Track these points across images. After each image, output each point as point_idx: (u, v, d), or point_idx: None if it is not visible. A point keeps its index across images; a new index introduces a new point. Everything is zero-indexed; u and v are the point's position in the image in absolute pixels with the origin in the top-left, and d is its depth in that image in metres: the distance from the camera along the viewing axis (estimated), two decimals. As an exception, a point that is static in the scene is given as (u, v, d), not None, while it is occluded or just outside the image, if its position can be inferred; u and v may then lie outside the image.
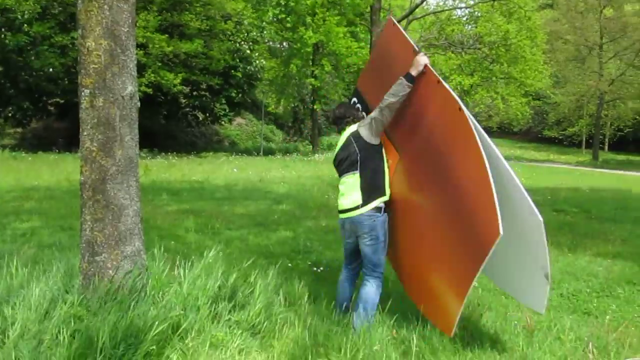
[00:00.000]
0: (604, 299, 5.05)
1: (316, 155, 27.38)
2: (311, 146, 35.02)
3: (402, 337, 3.73)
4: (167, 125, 29.26)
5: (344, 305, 4.25)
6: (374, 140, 4.00)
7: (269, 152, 32.24)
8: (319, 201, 11.26)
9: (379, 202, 3.95)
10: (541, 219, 3.31)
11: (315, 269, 5.71)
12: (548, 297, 3.66)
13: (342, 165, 4.14)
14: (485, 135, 3.47)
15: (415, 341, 3.53)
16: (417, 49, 4.01)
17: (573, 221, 9.59)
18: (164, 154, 24.88)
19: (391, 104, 3.83)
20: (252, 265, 4.67)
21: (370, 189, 3.93)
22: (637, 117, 41.39)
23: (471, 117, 3.47)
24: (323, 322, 3.91)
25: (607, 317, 4.48)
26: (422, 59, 3.80)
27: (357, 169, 4.00)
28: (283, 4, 23.94)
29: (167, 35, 23.50)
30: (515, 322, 4.17)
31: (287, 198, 11.79)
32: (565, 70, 39.90)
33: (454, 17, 30.58)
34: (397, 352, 3.53)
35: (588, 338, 3.84)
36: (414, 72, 3.77)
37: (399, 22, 12.20)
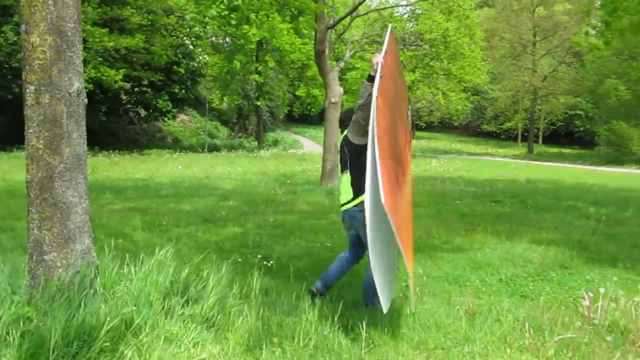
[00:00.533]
0: (539, 282, 5.36)
1: (262, 151, 27.35)
2: (256, 142, 34.93)
3: (352, 324, 3.86)
4: (107, 123, 28.49)
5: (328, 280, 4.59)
6: (359, 141, 4.17)
7: (213, 148, 31.95)
8: (266, 197, 11.32)
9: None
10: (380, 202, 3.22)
11: (265, 262, 5.78)
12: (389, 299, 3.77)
13: (341, 164, 4.51)
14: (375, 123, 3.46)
15: (364, 327, 3.67)
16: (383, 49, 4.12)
17: (510, 211, 10.04)
18: (105, 152, 24.25)
19: (360, 105, 4.08)
20: (203, 260, 4.71)
21: (359, 186, 4.02)
22: (568, 112, 43.44)
23: (374, 105, 3.49)
24: (276, 313, 4.00)
25: (542, 298, 4.77)
26: (375, 59, 3.96)
27: (347, 168, 4.33)
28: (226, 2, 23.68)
29: (107, 29, 22.88)
30: (458, 306, 4.39)
31: (234, 194, 11.79)
32: (502, 67, 41.41)
33: (396, 15, 31.15)
34: (347, 338, 3.67)
35: (524, 319, 4.09)
36: (372, 72, 3.95)
37: (341, 19, 12.40)
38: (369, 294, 4.29)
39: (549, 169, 24.27)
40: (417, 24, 31.03)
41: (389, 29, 4.45)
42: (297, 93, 31.41)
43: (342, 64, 13.15)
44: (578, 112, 42.36)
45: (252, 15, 25.52)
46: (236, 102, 32.20)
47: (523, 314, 4.30)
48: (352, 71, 30.39)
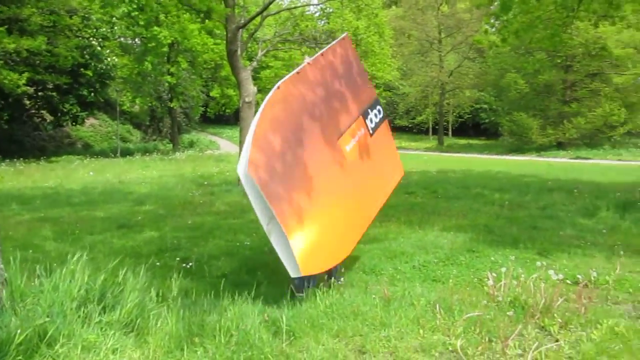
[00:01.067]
0: (449, 266, 5.69)
1: (177, 153, 26.77)
2: (171, 145, 34.10)
3: (273, 318, 3.95)
4: (10, 130, 26.80)
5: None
6: None
7: (127, 152, 30.88)
8: (183, 199, 11.17)
9: None
10: (243, 172, 4.14)
11: (184, 265, 5.76)
12: (295, 259, 4.11)
13: None
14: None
15: (285, 321, 3.77)
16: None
17: (422, 201, 10.50)
18: (8, 160, 22.85)
19: None
20: (119, 266, 4.63)
21: None
22: (474, 105, 45.62)
23: (273, 90, 4.47)
24: (196, 313, 4.02)
25: (451, 281, 5.08)
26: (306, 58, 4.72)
27: None
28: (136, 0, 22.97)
29: (4, 28, 21.51)
30: (374, 294, 4.59)
31: (150, 198, 11.54)
32: (411, 63, 42.82)
33: (308, 13, 31.41)
34: (268, 332, 3.76)
35: (435, 301, 4.35)
36: None
37: (252, 19, 12.41)
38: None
39: (459, 159, 25.46)
40: (328, 23, 31.43)
41: (343, 36, 5.58)
42: (211, 94, 30.98)
43: (254, 63, 13.17)
44: (483, 105, 44.51)
45: (162, 16, 25.04)
46: (148, 104, 31.27)
47: (435, 296, 4.56)
48: (266, 70, 30.35)
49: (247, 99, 11.62)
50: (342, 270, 5.18)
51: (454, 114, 47.84)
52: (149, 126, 42.40)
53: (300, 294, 4.42)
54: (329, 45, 5.47)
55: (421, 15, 39.18)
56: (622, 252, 6.06)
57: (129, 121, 40.49)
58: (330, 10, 32.68)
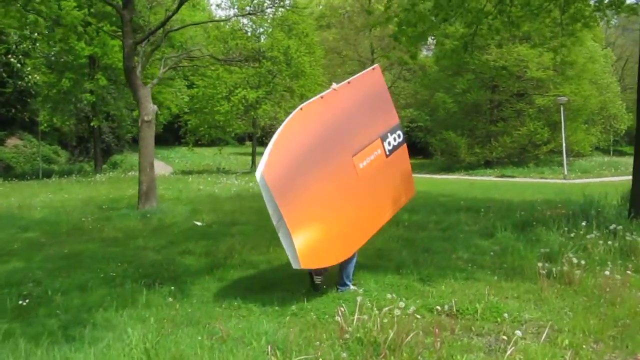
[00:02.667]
0: (314, 298, 5.28)
1: (97, 175, 25.53)
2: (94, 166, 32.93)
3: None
4: None
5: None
6: None
7: (50, 174, 29.33)
8: (74, 224, 10.39)
9: None
10: (260, 174, 4.71)
11: (21, 302, 5.10)
12: (296, 254, 4.72)
13: None
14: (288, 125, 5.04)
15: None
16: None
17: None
18: None
19: None
20: None
21: None
22: (409, 125, 46.21)
23: (295, 111, 5.16)
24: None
25: (312, 315, 4.66)
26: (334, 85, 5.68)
27: None
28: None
29: None
30: (209, 333, 4.11)
31: (39, 224, 10.69)
32: (346, 83, 42.97)
33: (238, 31, 31.09)
34: None
35: (275, 341, 3.91)
36: None
37: (150, 35, 11.86)
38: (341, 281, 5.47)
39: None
40: (258, 42, 31.26)
41: (374, 67, 6.40)
42: (135, 114, 29.93)
43: (155, 81, 12.54)
44: (419, 124, 45.20)
45: (80, 29, 24.04)
46: (67, 123, 29.90)
47: (282, 334, 4.12)
48: (193, 89, 29.82)
49: (146, 118, 11.00)
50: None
51: (390, 133, 48.19)
52: (76, 146, 40.70)
53: (318, 278, 5.35)
54: (358, 75, 6.19)
55: (354, 36, 39.52)
56: (504, 276, 5.83)
57: (56, 141, 38.74)
58: (261, 29, 32.63)
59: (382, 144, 5.99)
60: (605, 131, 41.48)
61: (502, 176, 27.69)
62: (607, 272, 5.33)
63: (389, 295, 4.67)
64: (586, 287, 5.33)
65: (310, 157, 5.11)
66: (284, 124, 5.01)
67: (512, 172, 28.57)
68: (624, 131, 43.18)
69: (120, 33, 20.23)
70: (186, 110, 30.95)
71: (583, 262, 5.71)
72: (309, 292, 5.38)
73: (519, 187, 19.93)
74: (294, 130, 5.06)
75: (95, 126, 27.47)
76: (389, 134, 6.12)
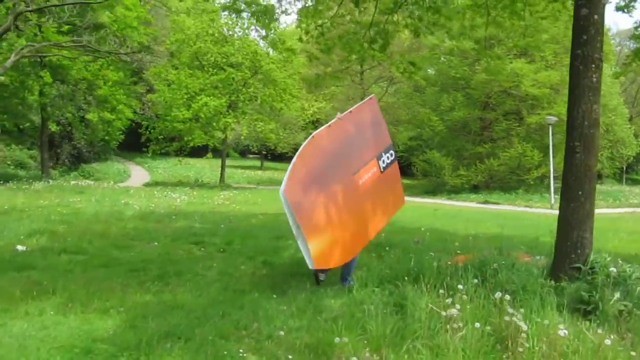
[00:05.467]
0: None
1: (41, 183, 22.67)
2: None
3: None
4: None
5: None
6: None
7: (12, 179, 27.12)
8: None
9: None
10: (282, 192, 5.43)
11: None
12: (311, 257, 5.47)
13: None
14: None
15: None
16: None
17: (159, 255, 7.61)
18: None
19: None
20: None
21: None
22: (407, 143, 43.35)
23: (310, 137, 5.98)
24: None
25: None
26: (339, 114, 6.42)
27: None
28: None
29: None
30: None
31: None
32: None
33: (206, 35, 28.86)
34: None
35: None
36: None
37: None
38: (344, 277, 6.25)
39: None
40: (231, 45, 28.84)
41: (370, 97, 7.29)
42: (86, 116, 27.69)
43: (1, 70, 10.20)
44: (406, 143, 42.42)
45: (21, 23, 21.95)
46: (18, 126, 27.76)
47: None
48: (153, 94, 27.69)
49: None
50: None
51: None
52: (49, 151, 38.54)
53: (322, 275, 6.19)
54: (358, 104, 6.95)
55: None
56: None
57: (36, 145, 36.68)
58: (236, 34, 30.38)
59: (378, 162, 6.74)
60: (612, 157, 38.32)
61: (486, 202, 24.97)
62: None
63: None
64: None
65: (321, 177, 5.93)
66: (300, 149, 5.78)
67: (497, 199, 25.79)
68: (631, 157, 40.04)
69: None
70: (146, 116, 28.74)
71: None
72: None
73: (489, 216, 17.29)
74: (309, 154, 5.82)
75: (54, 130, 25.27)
76: (383, 153, 6.84)
